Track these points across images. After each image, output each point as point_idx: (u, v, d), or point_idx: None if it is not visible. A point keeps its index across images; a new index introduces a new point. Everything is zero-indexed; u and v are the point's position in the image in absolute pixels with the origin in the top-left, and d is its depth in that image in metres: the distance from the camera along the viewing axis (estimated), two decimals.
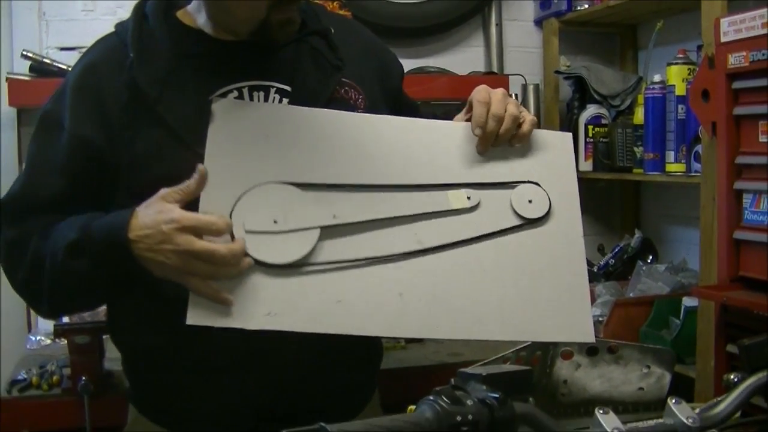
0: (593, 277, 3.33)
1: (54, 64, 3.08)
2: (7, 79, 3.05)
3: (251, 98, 1.56)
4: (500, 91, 1.57)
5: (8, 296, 3.04)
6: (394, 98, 1.79)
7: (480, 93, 1.56)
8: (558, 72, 3.54)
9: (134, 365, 1.69)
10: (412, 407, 1.02)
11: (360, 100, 1.66)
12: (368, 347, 1.71)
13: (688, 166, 2.80)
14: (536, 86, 3.62)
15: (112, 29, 1.66)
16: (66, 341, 2.42)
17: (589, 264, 3.51)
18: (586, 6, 3.42)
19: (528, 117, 1.59)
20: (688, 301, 2.69)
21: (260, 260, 1.39)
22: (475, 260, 1.51)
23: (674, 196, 3.38)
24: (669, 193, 3.43)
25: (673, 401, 1.18)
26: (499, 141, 1.56)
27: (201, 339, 1.39)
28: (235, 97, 1.55)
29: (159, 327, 1.53)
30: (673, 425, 1.15)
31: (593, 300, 3.08)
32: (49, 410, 2.43)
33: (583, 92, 3.43)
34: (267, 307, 1.39)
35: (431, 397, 1.01)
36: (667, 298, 2.87)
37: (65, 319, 2.44)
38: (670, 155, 2.87)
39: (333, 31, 1.69)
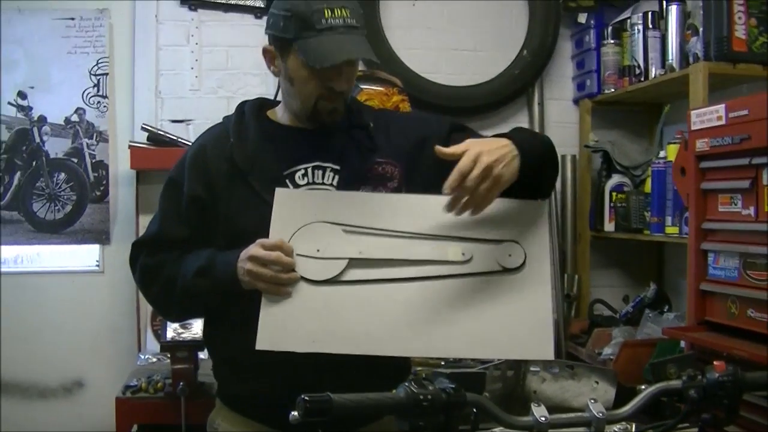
0: (615, 323, 3.79)
1: (166, 135, 3.70)
2: (129, 147, 3.69)
3: (313, 175, 2.10)
4: (484, 158, 1.84)
5: (123, 325, 3.75)
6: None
7: (464, 160, 1.84)
8: (587, 146, 4.03)
9: (221, 368, 2.24)
10: (394, 390, 1.44)
11: (396, 172, 2.15)
12: (398, 362, 2.07)
13: (680, 229, 3.25)
14: (573, 157, 4.14)
15: (220, 120, 2.27)
16: (169, 356, 3.04)
17: (614, 311, 3.99)
18: (612, 90, 3.91)
19: (493, 182, 1.87)
20: (683, 344, 3.12)
21: (304, 276, 1.94)
22: (464, 296, 1.96)
23: (686, 254, 3.78)
24: (683, 251, 3.84)
25: (592, 401, 1.55)
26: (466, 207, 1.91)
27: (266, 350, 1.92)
28: (302, 174, 2.10)
29: (239, 339, 2.02)
30: (588, 417, 1.53)
31: (609, 341, 3.55)
32: (154, 408, 3.07)
33: (609, 163, 3.91)
34: (312, 336, 1.92)
35: (406, 384, 1.43)
36: (669, 340, 3.26)
37: (169, 337, 3.05)
38: (669, 219, 3.34)
39: (372, 124, 2.19)
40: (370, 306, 1.94)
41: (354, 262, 1.96)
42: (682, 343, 3.10)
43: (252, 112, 2.22)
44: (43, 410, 3.92)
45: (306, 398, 1.37)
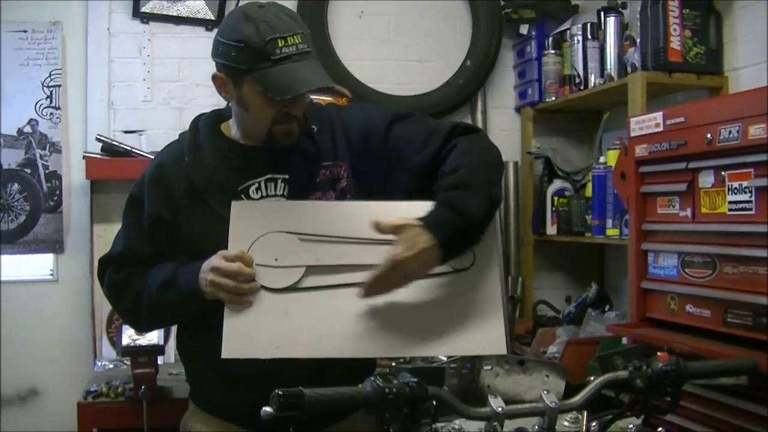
0: (558, 323, 3.92)
1: (120, 145, 3.73)
2: (84, 157, 3.72)
3: (266, 188, 2.15)
4: (405, 266, 1.93)
5: (78, 333, 3.79)
6: (383, 145, 2.18)
7: (386, 268, 1.93)
8: (529, 153, 4.15)
9: (194, 374, 2.30)
10: (361, 385, 1.51)
11: (343, 172, 2.18)
12: (360, 363, 2.07)
13: (620, 231, 3.38)
14: (516, 163, 4.27)
15: (176, 137, 2.31)
16: (130, 361, 3.09)
17: (557, 312, 4.12)
18: (553, 98, 4.05)
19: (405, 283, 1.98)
20: (625, 340, 3.23)
21: (263, 285, 2.00)
22: (418, 297, 2.02)
23: (626, 255, 3.92)
24: (623, 252, 3.98)
25: (545, 392, 1.63)
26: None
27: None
28: (255, 188, 2.15)
29: (212, 345, 2.03)
30: (542, 407, 1.61)
31: (553, 340, 3.67)
32: (116, 413, 3.12)
33: (551, 169, 4.03)
34: (275, 342, 1.97)
35: (372, 378, 1.50)
36: (611, 338, 3.36)
37: (125, 344, 3.07)
38: (609, 222, 3.47)
39: (316, 128, 2.22)
40: (328, 311, 1.99)
41: (311, 269, 2.01)
42: (624, 340, 3.24)
43: (207, 129, 2.24)
44: None
45: (280, 393, 1.43)
